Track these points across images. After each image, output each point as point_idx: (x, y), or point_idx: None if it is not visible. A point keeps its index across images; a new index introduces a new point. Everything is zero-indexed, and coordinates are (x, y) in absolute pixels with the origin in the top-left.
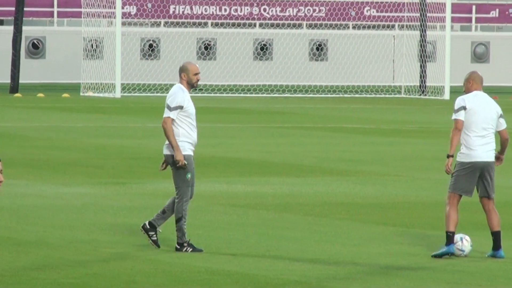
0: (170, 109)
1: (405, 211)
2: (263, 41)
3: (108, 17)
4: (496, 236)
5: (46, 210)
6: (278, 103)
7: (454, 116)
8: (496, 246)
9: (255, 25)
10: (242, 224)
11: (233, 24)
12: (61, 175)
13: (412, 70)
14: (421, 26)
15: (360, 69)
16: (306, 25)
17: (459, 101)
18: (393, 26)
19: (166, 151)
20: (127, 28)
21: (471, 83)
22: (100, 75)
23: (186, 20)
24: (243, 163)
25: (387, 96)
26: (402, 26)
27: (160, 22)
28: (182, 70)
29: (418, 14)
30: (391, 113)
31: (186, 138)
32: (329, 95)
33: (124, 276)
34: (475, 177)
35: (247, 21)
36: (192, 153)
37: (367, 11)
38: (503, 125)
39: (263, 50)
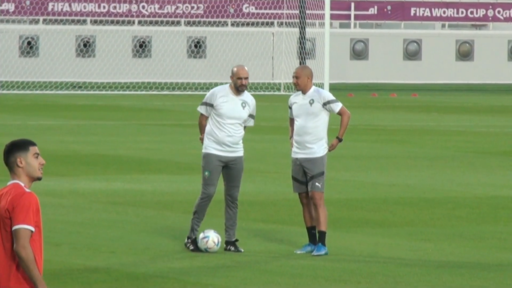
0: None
1: (285, 208)
2: (141, 38)
3: None
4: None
5: None
6: (156, 101)
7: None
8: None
9: (133, 22)
10: (121, 222)
11: (112, 21)
12: None
13: (292, 67)
14: (300, 23)
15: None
16: (185, 22)
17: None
18: (272, 23)
19: None
20: (5, 25)
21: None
22: None
23: (65, 18)
24: (122, 161)
25: (266, 93)
26: (281, 23)
27: (38, 20)
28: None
29: (297, 11)
30: (270, 110)
31: (210, 136)
32: (207, 93)
33: None
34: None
35: (126, 18)
36: (214, 152)
37: (245, 8)
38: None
39: (141, 47)
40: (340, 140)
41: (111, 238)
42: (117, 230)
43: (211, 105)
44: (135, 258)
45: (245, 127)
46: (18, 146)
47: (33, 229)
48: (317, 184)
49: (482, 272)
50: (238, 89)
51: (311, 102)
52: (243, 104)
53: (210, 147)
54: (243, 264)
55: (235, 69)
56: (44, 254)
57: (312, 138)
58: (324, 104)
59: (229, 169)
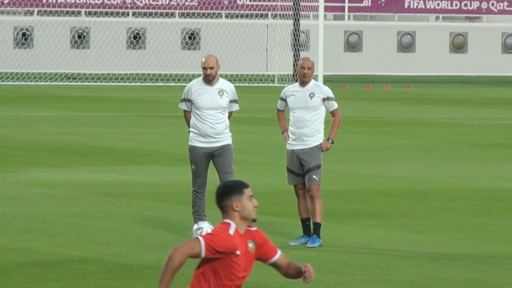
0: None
1: (279, 200)
2: (136, 30)
3: None
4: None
5: None
6: (151, 92)
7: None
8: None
9: (128, 14)
10: (115, 213)
11: (107, 13)
12: None
13: (286, 59)
14: (294, 15)
15: (233, 58)
16: (179, 14)
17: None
18: (266, 15)
19: None
20: (0, 16)
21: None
22: None
23: (59, 9)
24: (116, 152)
25: (260, 85)
26: (275, 15)
27: (33, 11)
28: None
29: (291, 3)
30: (264, 102)
31: (193, 129)
32: None
33: None
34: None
35: (120, 10)
36: (198, 144)
37: (240, 0)
38: None
39: (136, 39)
40: (332, 142)
41: (105, 229)
42: (112, 221)
43: (189, 100)
44: (129, 249)
45: (231, 113)
46: (233, 190)
47: (201, 238)
48: (314, 176)
49: (476, 264)
50: (205, 79)
51: (312, 96)
52: (220, 93)
53: (194, 139)
54: None
55: (203, 59)
56: (38, 245)
57: (310, 131)
58: (324, 100)
59: (218, 157)
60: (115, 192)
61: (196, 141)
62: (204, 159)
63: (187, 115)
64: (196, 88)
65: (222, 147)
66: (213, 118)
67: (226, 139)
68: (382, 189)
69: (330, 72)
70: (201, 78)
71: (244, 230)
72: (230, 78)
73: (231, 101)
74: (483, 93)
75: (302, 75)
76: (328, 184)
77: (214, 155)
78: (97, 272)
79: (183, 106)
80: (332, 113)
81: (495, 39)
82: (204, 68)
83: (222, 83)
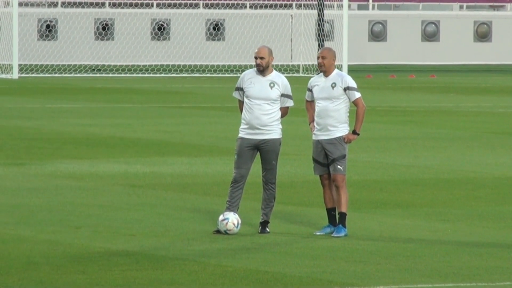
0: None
1: (304, 190)
2: (160, 21)
3: None
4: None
5: None
6: (175, 83)
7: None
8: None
9: (152, 5)
10: (141, 204)
11: (131, 4)
12: None
13: (310, 49)
14: (318, 5)
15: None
16: (203, 5)
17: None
18: (290, 5)
19: None
20: (24, 8)
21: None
22: None
23: (83, 1)
24: (141, 143)
25: (285, 75)
26: (300, 5)
27: (57, 3)
28: None
29: None
30: None
31: (242, 119)
32: (226, 75)
33: (23, 257)
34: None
35: (145, 1)
36: (243, 135)
37: None
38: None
39: (160, 30)
40: (357, 134)
41: (130, 220)
42: (137, 213)
43: (241, 89)
44: (155, 241)
45: (286, 109)
46: None
47: None
48: (339, 166)
49: (501, 253)
50: (257, 69)
51: (333, 86)
52: (271, 84)
53: (241, 130)
54: (263, 246)
55: (256, 49)
56: (63, 237)
57: (334, 121)
58: (345, 89)
59: (262, 150)
60: (140, 184)
61: (242, 132)
62: (247, 150)
63: (240, 105)
64: (249, 77)
65: (267, 140)
66: (260, 108)
67: (272, 132)
68: (407, 178)
69: (354, 62)
70: (254, 68)
71: None
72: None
73: (284, 95)
74: (508, 82)
75: (318, 65)
76: (353, 174)
77: (259, 148)
78: (123, 264)
79: (236, 95)
80: (355, 103)
81: None
82: (255, 58)
83: (275, 75)
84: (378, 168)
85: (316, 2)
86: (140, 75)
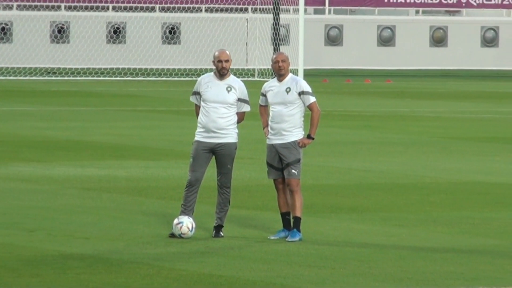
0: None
1: (259, 194)
2: (116, 24)
3: None
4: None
5: None
6: (131, 87)
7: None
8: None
9: (108, 8)
10: (96, 208)
11: (86, 7)
12: None
13: (266, 53)
14: (274, 9)
15: (213, 52)
16: (159, 8)
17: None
18: (246, 9)
19: None
20: None
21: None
22: None
23: (39, 3)
24: (96, 147)
25: (240, 79)
26: (256, 9)
27: (12, 5)
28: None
29: None
30: None
31: (198, 123)
32: (182, 79)
33: None
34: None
35: (100, 4)
36: (198, 138)
37: None
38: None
39: (116, 33)
40: (311, 138)
41: (85, 224)
42: (92, 216)
43: (198, 93)
44: (109, 244)
45: (243, 114)
46: None
47: None
48: (293, 171)
49: (456, 258)
50: (220, 72)
51: (288, 91)
52: (228, 88)
53: (197, 133)
54: (217, 250)
55: (216, 53)
56: (18, 240)
57: (289, 125)
58: (300, 94)
59: (217, 154)
60: (96, 187)
61: (199, 135)
62: (203, 153)
63: (197, 109)
64: (206, 81)
65: (222, 144)
66: (217, 112)
67: (228, 136)
68: (362, 183)
69: (310, 66)
70: (212, 72)
71: None
72: (210, 72)
73: (240, 100)
74: (463, 87)
75: (277, 69)
76: (308, 178)
77: (215, 151)
78: (77, 267)
79: (193, 99)
80: (310, 108)
81: (474, 33)
82: (220, 61)
83: (232, 80)
84: (333, 173)
85: (272, 6)
86: (95, 78)
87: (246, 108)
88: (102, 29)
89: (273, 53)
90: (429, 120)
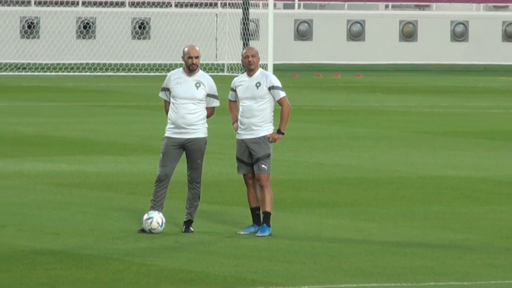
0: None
1: (228, 189)
2: (86, 19)
3: None
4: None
5: None
6: (101, 82)
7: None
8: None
9: (78, 3)
10: (65, 203)
11: (56, 3)
12: None
13: (235, 48)
14: (243, 4)
15: (183, 47)
16: (129, 4)
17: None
18: (215, 4)
19: None
20: None
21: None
22: None
23: None
24: (66, 142)
25: (210, 74)
26: (225, 4)
27: None
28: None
29: None
30: None
31: (168, 119)
32: (152, 74)
33: None
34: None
35: (70, 0)
36: (168, 134)
37: None
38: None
39: (86, 28)
40: (281, 133)
41: (55, 219)
42: (62, 212)
43: (168, 89)
44: (79, 240)
45: (212, 109)
46: None
47: None
48: (263, 166)
49: (425, 252)
50: (189, 68)
51: (258, 85)
52: (197, 84)
53: (167, 129)
54: (186, 245)
55: (186, 49)
56: None
57: (259, 120)
58: (270, 89)
59: (187, 150)
60: (65, 182)
61: (169, 131)
62: (173, 149)
63: (166, 106)
64: (175, 77)
65: (192, 139)
66: (186, 108)
67: (198, 131)
68: (332, 177)
69: (280, 61)
70: (181, 68)
71: None
72: (180, 67)
73: (209, 95)
74: (433, 81)
75: (247, 64)
76: (278, 173)
77: (185, 147)
78: (47, 263)
79: (162, 95)
80: (279, 102)
81: (444, 27)
82: (190, 58)
83: (201, 75)
84: (303, 168)
85: (241, 1)
86: (65, 73)
87: (216, 103)
88: (72, 25)
89: (243, 48)
90: (399, 114)
